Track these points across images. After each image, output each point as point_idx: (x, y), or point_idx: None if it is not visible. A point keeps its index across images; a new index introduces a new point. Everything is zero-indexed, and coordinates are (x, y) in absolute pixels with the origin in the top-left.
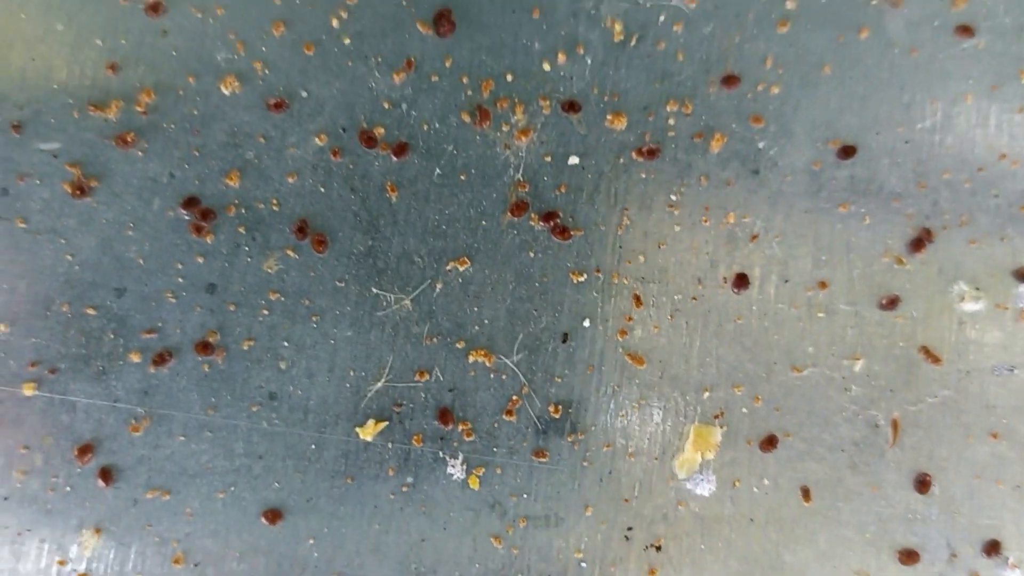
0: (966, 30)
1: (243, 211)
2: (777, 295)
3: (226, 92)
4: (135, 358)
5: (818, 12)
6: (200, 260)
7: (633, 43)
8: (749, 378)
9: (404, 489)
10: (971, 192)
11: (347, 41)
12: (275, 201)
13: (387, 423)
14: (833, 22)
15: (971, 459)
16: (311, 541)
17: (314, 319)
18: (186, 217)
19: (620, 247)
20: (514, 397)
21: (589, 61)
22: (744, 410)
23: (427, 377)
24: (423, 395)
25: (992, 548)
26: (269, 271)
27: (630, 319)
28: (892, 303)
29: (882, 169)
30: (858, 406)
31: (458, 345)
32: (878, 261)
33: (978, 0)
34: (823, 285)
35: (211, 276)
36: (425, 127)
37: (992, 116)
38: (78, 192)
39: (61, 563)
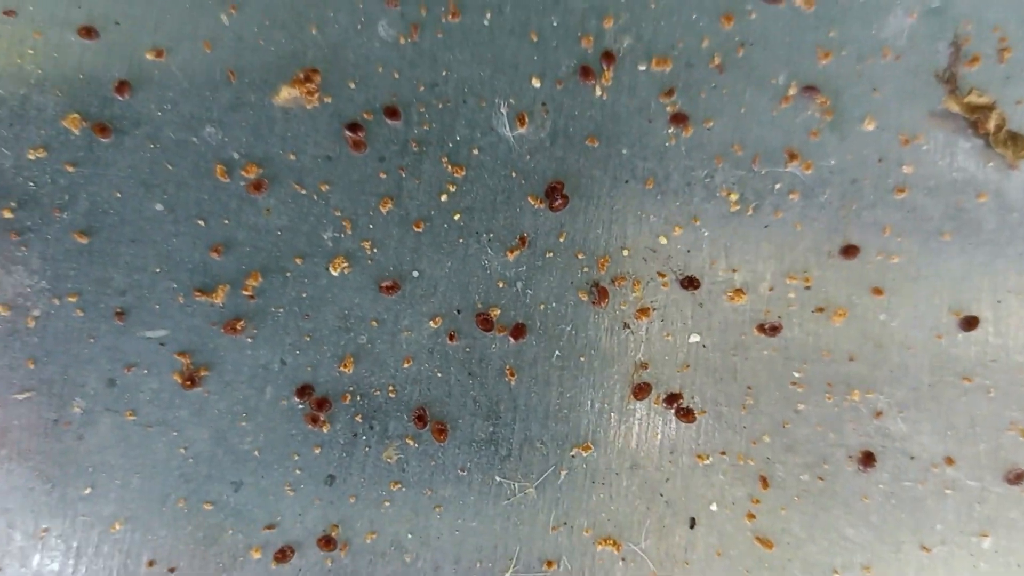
0: None
1: (359, 399)
2: (903, 472)
3: (335, 274)
4: (256, 554)
5: (934, 177)
6: (317, 451)
7: (750, 213)
8: (878, 558)
9: None
10: None
11: (457, 217)
12: (392, 388)
13: None
14: (950, 187)
15: None
16: None
17: (437, 510)
18: (300, 406)
19: (744, 427)
20: None
21: (706, 233)
22: None
23: (555, 567)
24: None
25: None
26: (389, 461)
27: (757, 501)
28: (1019, 477)
29: (1006, 340)
30: None
31: (585, 533)
32: (1004, 434)
33: None
34: (949, 461)
35: (329, 467)
36: (542, 307)
37: None
38: (188, 382)
39: None
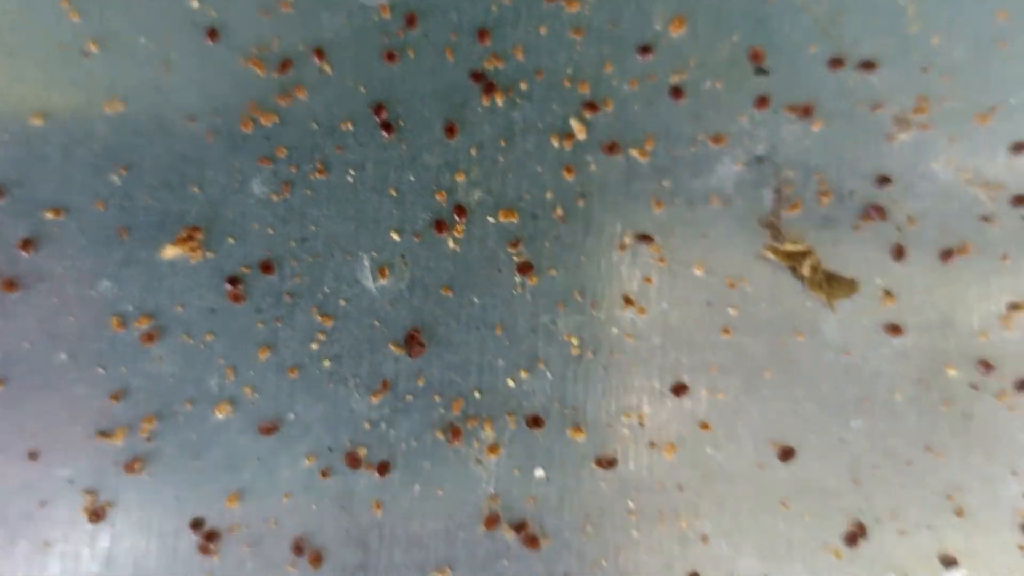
0: (895, 329)
1: (245, 530)
2: None
3: (220, 417)
4: None
5: (758, 318)
6: None
7: (589, 356)
8: None
9: None
10: (900, 485)
11: (327, 364)
12: (273, 520)
13: None
14: (772, 327)
15: None
16: None
17: None
18: (194, 537)
19: (584, 553)
20: None
21: (550, 376)
22: None
23: None
24: None
25: None
26: None
27: None
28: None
29: (819, 468)
30: None
31: None
32: (818, 556)
33: (906, 299)
34: None
35: None
36: (403, 445)
37: (914, 412)
38: (94, 517)
39: None
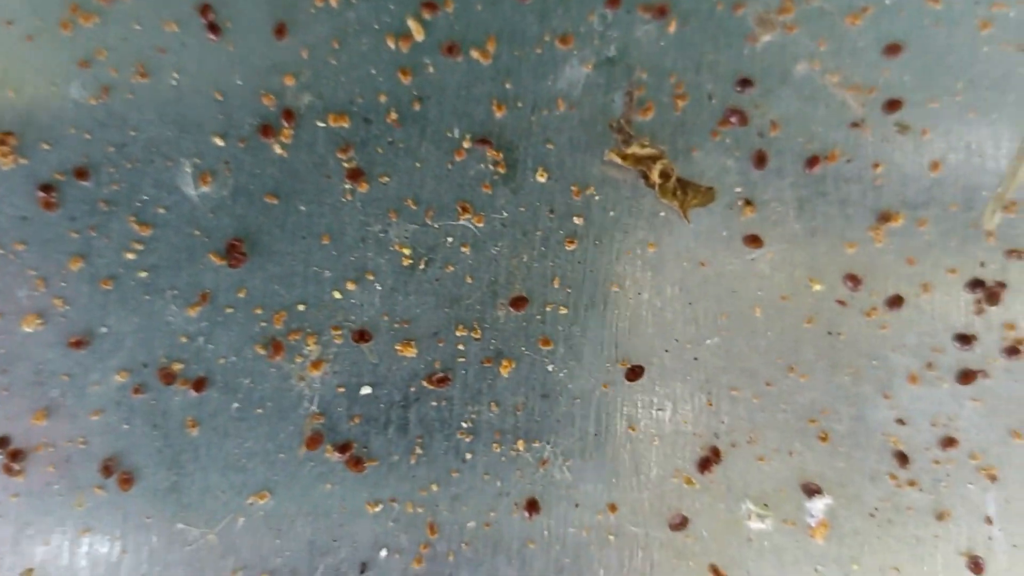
0: (755, 240)
1: (51, 450)
2: (568, 519)
3: (28, 330)
4: None
5: (604, 228)
6: (14, 499)
7: (422, 267)
8: None
9: None
10: (760, 408)
11: (143, 275)
12: (81, 439)
13: None
14: (619, 238)
15: None
16: None
17: (123, 555)
18: None
19: (414, 476)
20: None
21: (379, 288)
22: None
23: None
24: None
25: None
26: (79, 508)
27: (426, 547)
28: (682, 524)
29: (670, 388)
30: None
31: None
32: (668, 482)
33: (767, 209)
34: (613, 508)
35: (25, 515)
36: (222, 361)
37: (775, 329)
38: None
39: None
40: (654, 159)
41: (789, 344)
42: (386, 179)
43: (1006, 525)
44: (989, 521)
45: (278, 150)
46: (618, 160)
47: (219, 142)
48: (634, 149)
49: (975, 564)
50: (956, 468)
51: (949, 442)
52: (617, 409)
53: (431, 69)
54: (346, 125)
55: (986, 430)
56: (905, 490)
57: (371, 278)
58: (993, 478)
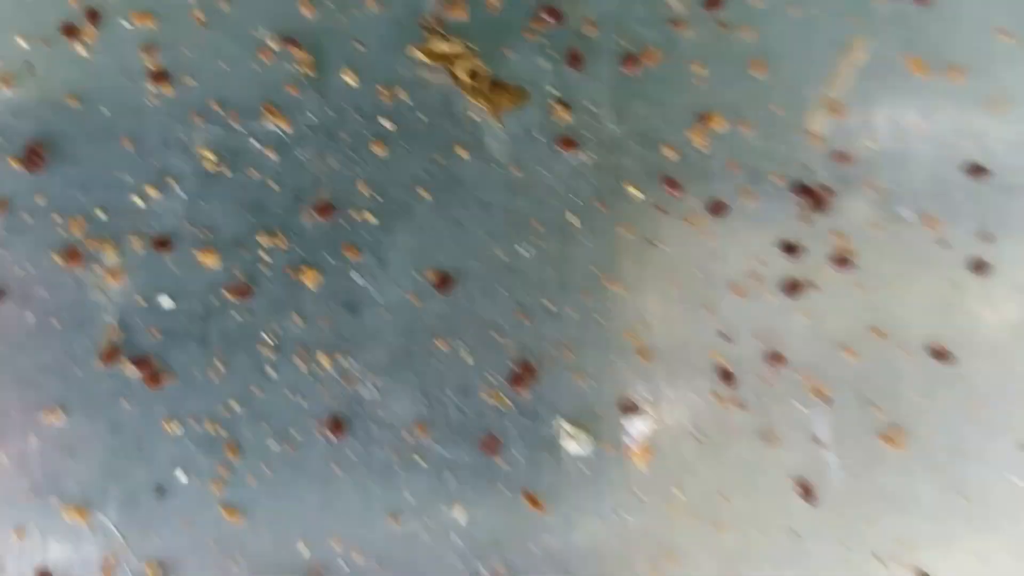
0: (570, 143)
1: None
2: (373, 439)
3: None
4: None
5: (415, 132)
6: None
7: (226, 172)
8: (348, 530)
9: None
10: (574, 321)
11: None
12: None
13: None
14: (431, 142)
15: None
16: None
17: None
18: None
19: (214, 393)
20: (108, 555)
21: (182, 194)
22: (343, 565)
23: (24, 537)
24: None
25: None
26: None
27: (226, 469)
28: (493, 445)
29: (482, 299)
30: (460, 556)
31: (53, 501)
32: (479, 401)
33: (582, 110)
34: (422, 428)
35: None
36: (18, 270)
37: (590, 236)
38: None
39: None
40: (461, 57)
41: (604, 252)
42: (191, 81)
43: (839, 448)
44: (821, 443)
45: (81, 51)
46: (423, 58)
47: (22, 43)
48: (439, 45)
49: (805, 489)
50: (784, 386)
51: (776, 358)
52: (424, 321)
53: None
54: (152, 26)
55: (815, 346)
56: (730, 410)
57: (173, 184)
58: (824, 397)
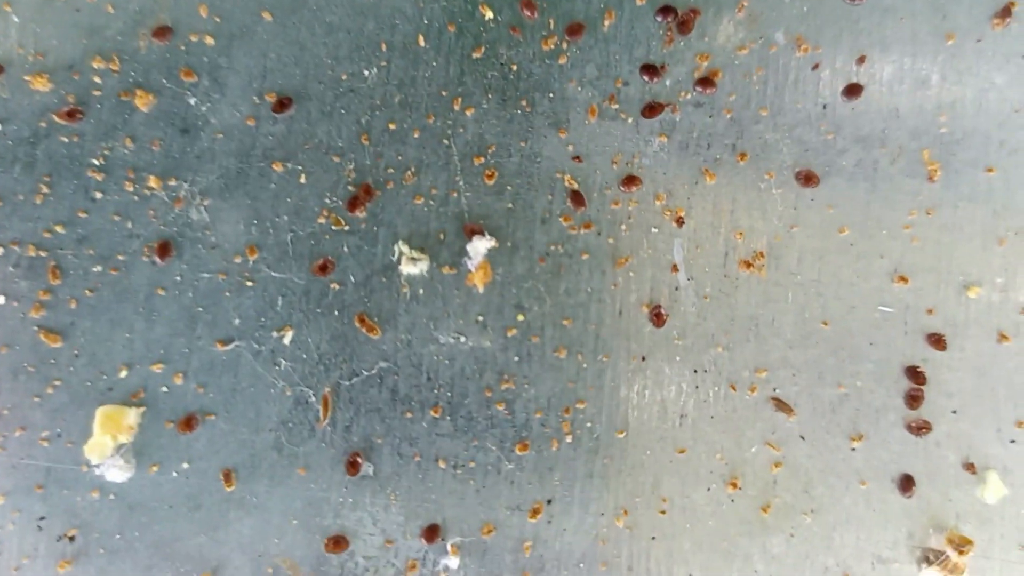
0: None
1: None
2: (201, 262)
3: None
4: None
5: None
6: None
7: None
8: (170, 354)
9: None
10: (420, 142)
11: None
12: None
13: None
14: None
15: (409, 435)
16: None
17: None
18: None
19: (38, 217)
20: None
21: (15, 19)
22: (165, 389)
23: None
24: None
25: (431, 533)
26: None
27: (47, 293)
28: (327, 267)
29: (323, 122)
30: (287, 382)
31: None
32: (313, 223)
33: None
34: (252, 250)
35: None
36: None
37: (443, 59)
38: None
39: None
40: None
41: (455, 75)
42: None
43: (694, 273)
44: (675, 268)
45: None
46: None
47: None
48: None
49: (656, 315)
50: (639, 210)
51: (631, 181)
52: (261, 143)
53: None
54: None
55: (673, 169)
56: (580, 233)
57: (7, 9)
58: (680, 222)
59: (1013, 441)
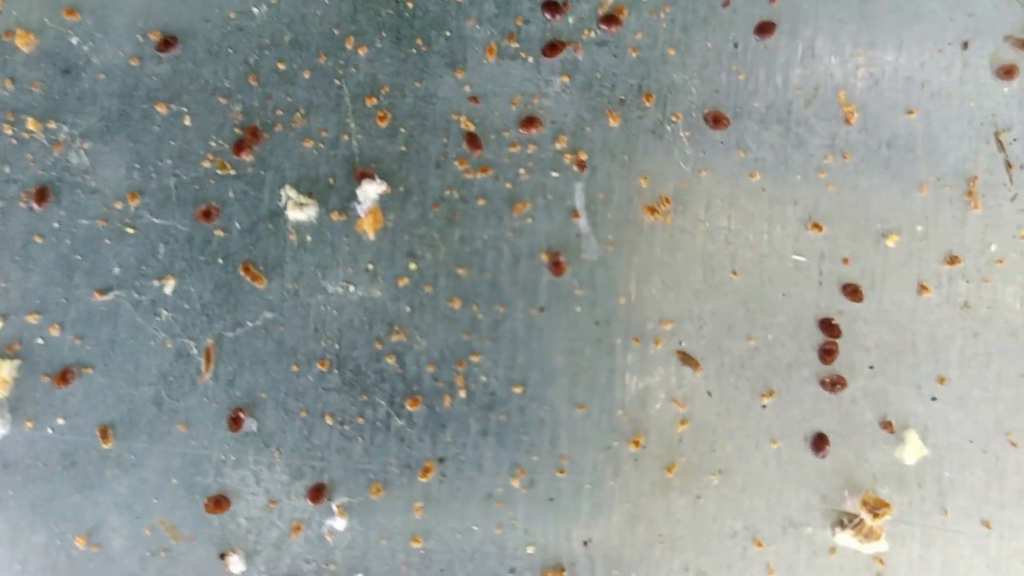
0: None
1: None
2: (80, 208)
3: None
4: None
5: None
6: None
7: None
8: (46, 304)
9: None
10: (310, 83)
11: None
12: None
13: None
14: None
15: (295, 390)
16: None
17: None
18: None
19: None
20: None
21: None
22: (40, 341)
23: None
24: None
25: (317, 493)
26: None
27: None
28: (211, 214)
29: (209, 63)
30: (168, 333)
31: None
32: (198, 167)
33: None
34: (134, 196)
35: None
36: None
37: None
38: None
39: None
40: None
41: (348, 13)
42: None
43: (596, 220)
44: (576, 214)
45: None
46: None
47: None
48: None
49: (555, 264)
50: (538, 152)
51: (530, 123)
52: (144, 84)
53: None
54: None
55: (576, 110)
56: (476, 177)
57: None
58: (582, 165)
59: (934, 399)
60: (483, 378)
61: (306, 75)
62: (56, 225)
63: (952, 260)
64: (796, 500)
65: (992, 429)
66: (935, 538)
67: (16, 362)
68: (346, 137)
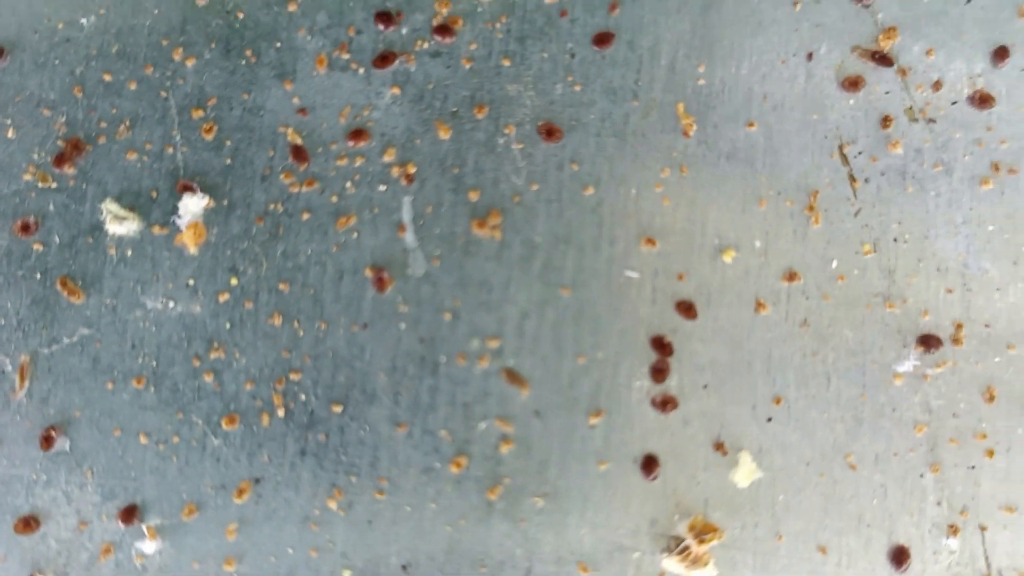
0: None
1: None
2: None
3: None
4: None
5: None
6: None
7: None
8: None
9: None
10: (137, 96)
11: None
12: None
13: None
14: None
15: (110, 408)
16: None
17: None
18: None
19: None
20: None
21: None
22: None
23: None
24: None
25: (128, 514)
26: None
27: None
28: (28, 228)
29: (34, 74)
30: None
31: None
32: (19, 180)
33: None
34: None
35: None
36: None
37: (162, 7)
38: None
39: None
40: None
41: (177, 24)
42: None
43: (424, 234)
44: (403, 229)
45: None
46: None
47: None
48: None
49: (379, 280)
50: (366, 165)
51: (358, 135)
52: None
53: None
54: None
55: (406, 122)
56: (302, 191)
57: None
58: (410, 179)
59: (770, 419)
60: (302, 396)
61: (132, 87)
62: None
63: (791, 276)
64: (625, 524)
65: (830, 451)
66: (769, 564)
67: None
68: (171, 150)
